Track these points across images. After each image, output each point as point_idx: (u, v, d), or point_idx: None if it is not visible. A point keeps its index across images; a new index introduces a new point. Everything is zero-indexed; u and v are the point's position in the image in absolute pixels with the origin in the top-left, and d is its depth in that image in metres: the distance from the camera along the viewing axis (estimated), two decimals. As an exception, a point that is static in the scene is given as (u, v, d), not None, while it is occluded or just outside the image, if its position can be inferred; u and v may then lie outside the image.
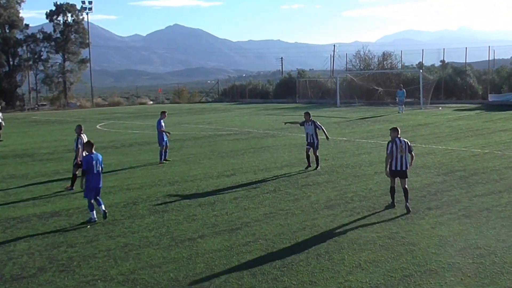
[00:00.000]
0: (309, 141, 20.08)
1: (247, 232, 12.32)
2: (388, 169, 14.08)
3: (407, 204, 13.87)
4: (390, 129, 14.59)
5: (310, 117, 20.23)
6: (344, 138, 28.50)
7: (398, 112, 45.80)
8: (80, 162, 16.37)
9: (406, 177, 14.13)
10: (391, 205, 14.28)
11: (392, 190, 14.36)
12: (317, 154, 19.98)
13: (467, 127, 32.92)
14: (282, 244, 11.40)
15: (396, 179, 14.18)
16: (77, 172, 16.99)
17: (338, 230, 12.32)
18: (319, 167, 19.81)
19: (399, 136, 14.10)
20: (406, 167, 14.02)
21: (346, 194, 15.88)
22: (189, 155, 24.48)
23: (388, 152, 14.00)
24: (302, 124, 20.39)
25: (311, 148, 19.97)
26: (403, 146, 13.93)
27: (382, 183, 16.93)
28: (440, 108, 49.44)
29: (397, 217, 13.25)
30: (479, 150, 23.28)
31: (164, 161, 22.16)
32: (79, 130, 17.76)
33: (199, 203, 15.30)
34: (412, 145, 14.67)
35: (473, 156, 21.96)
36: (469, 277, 9.36)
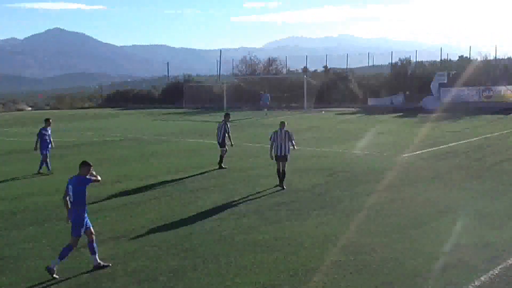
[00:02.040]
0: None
1: (132, 240, 12.12)
2: (273, 154, 17.09)
3: (283, 184, 16.98)
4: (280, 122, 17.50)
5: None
6: (231, 142, 28.67)
7: (266, 115, 47.97)
8: None
9: (286, 161, 17.07)
10: (280, 185, 17.02)
11: (278, 173, 17.13)
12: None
13: (348, 130, 34.14)
14: (169, 250, 11.30)
15: (280, 162, 16.98)
16: None
17: (225, 234, 12.39)
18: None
19: (283, 128, 17.12)
20: (286, 153, 17.01)
21: (233, 197, 16.00)
22: (71, 163, 23.65)
23: (271, 139, 17.15)
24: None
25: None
26: (283, 136, 17.00)
27: (268, 186, 17.23)
28: (323, 112, 50.94)
29: (283, 218, 13.52)
30: (360, 152, 24.23)
31: (41, 172, 21.08)
32: None
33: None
34: (293, 137, 17.26)
35: (355, 157, 22.83)
36: (351, 274, 9.72)
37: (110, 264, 10.41)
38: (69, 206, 10.31)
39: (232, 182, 18.36)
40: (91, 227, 10.49)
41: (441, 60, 58.05)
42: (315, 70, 70.13)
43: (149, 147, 28.80)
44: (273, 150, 17.10)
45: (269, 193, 16.38)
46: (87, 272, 10.15)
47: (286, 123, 17.48)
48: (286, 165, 17.09)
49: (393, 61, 62.67)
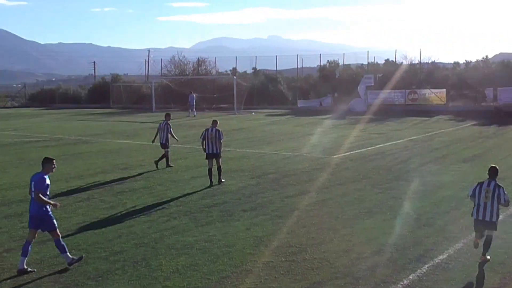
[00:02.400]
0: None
1: (59, 243, 11.70)
2: (205, 152, 17.69)
3: (220, 178, 17.66)
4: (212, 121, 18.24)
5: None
6: (176, 139, 28.29)
7: (194, 116, 48.45)
8: None
9: (220, 157, 17.73)
10: (210, 185, 17.30)
11: (209, 172, 17.53)
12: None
13: (278, 132, 34.33)
14: (97, 254, 10.98)
15: (212, 160, 17.59)
16: None
17: (155, 236, 12.16)
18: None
19: (215, 126, 17.76)
20: (216, 151, 17.57)
21: (163, 199, 15.75)
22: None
23: (201, 137, 17.87)
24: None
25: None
26: (213, 134, 17.56)
27: (198, 188, 17.07)
28: (253, 113, 51.10)
29: (214, 220, 13.39)
30: (290, 153, 24.38)
31: None
32: None
33: (5, 214, 14.32)
34: (222, 137, 17.77)
35: (285, 159, 22.93)
36: (282, 275, 9.70)
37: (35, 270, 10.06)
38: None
39: (162, 184, 18.08)
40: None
41: (368, 63, 59.26)
42: (245, 71, 70.34)
43: (74, 147, 28.06)
44: (203, 147, 17.83)
45: (200, 195, 16.23)
46: (10, 278, 9.73)
47: (218, 122, 18.19)
48: (220, 160, 17.80)
49: (322, 64, 63.55)
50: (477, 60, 54.78)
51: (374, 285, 9.23)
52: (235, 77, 57.03)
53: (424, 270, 9.79)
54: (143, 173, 20.07)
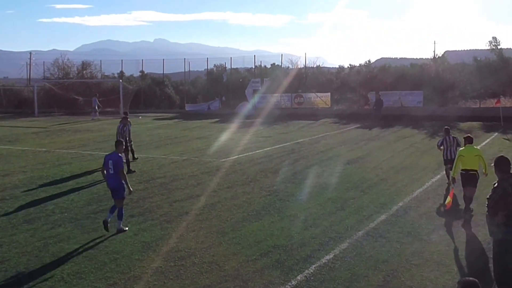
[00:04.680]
0: None
1: None
2: None
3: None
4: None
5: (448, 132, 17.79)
6: (43, 149, 27.32)
7: (93, 119, 48.28)
8: None
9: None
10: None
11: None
12: None
13: (166, 135, 34.03)
14: (-25, 265, 10.45)
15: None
16: None
17: (39, 244, 11.74)
18: None
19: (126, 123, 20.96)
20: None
21: (46, 206, 15.21)
22: None
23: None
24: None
25: None
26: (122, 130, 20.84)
27: (84, 194, 16.64)
28: (140, 117, 50.34)
29: (100, 226, 13.08)
30: (178, 157, 24.24)
31: None
32: None
33: None
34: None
35: (173, 163, 22.78)
36: (171, 280, 9.65)
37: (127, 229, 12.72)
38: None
39: (45, 190, 17.45)
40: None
41: (255, 66, 59.95)
42: (132, 75, 69.18)
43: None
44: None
45: (86, 201, 15.81)
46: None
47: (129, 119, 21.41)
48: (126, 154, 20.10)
49: (209, 67, 63.64)
50: (360, 64, 56.57)
51: (262, 286, 9.39)
52: (121, 80, 55.99)
53: (311, 271, 10.06)
54: (25, 179, 19.27)
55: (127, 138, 21.52)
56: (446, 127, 17.93)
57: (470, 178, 13.51)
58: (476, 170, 13.52)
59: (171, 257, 10.87)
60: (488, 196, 8.67)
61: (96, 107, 50.22)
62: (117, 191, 12.93)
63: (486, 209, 8.75)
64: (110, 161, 12.86)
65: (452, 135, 17.58)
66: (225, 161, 22.97)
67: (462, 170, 13.57)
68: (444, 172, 17.89)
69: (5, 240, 12.13)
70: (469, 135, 14.62)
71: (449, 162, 16.84)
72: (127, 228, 12.85)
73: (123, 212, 12.99)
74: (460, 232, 12.44)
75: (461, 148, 14.46)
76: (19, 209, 14.95)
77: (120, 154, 13.24)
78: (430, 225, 13.04)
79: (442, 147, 17.55)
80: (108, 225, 12.35)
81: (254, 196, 16.36)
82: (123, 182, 12.93)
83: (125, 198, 13.13)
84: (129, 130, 22.00)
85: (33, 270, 10.17)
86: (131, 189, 13.20)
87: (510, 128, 32.54)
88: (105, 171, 13.04)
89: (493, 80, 44.13)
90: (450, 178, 14.40)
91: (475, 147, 14.49)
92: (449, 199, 12.10)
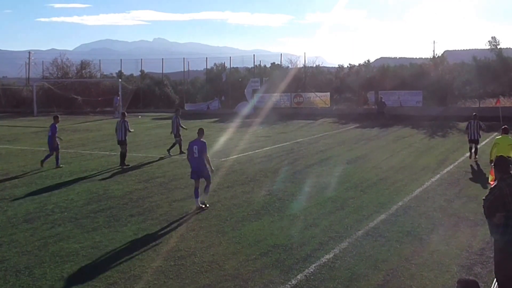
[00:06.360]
0: None
1: None
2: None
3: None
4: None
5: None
6: (42, 148, 27.26)
7: (115, 117, 47.77)
8: None
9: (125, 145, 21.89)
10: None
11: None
12: None
13: (165, 135, 33.94)
14: (-25, 264, 10.45)
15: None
16: None
17: (39, 244, 11.73)
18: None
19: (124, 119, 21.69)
20: (122, 138, 21.78)
21: (46, 206, 15.20)
22: None
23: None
24: None
25: None
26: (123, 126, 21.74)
27: (83, 194, 16.63)
28: (140, 116, 50.34)
29: (100, 225, 13.10)
30: (178, 157, 24.24)
31: None
32: None
33: None
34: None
35: (172, 162, 22.79)
36: (171, 279, 9.65)
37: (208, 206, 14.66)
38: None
39: (45, 190, 17.46)
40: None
41: (254, 66, 59.86)
42: (131, 74, 69.13)
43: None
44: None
45: (85, 200, 15.81)
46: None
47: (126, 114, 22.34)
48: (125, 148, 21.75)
49: (208, 67, 63.58)
50: (359, 64, 56.48)
51: (262, 286, 9.37)
52: (120, 79, 55.96)
53: (311, 270, 10.05)
54: (24, 179, 19.27)
55: (127, 132, 22.49)
56: (474, 113, 23.21)
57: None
58: (509, 157, 14.84)
59: (171, 256, 10.87)
60: (484, 197, 8.65)
61: (116, 105, 51.33)
62: (201, 172, 14.67)
63: (482, 209, 8.71)
64: (195, 147, 14.62)
65: (476, 120, 22.29)
66: (225, 161, 22.97)
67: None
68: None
69: (5, 239, 12.12)
70: (506, 126, 18.62)
71: (472, 141, 22.14)
72: (208, 205, 14.82)
73: (209, 190, 15.01)
74: (460, 232, 12.45)
75: (498, 137, 18.22)
76: (19, 209, 14.95)
77: (202, 140, 14.81)
78: (429, 224, 13.04)
79: (467, 130, 22.44)
80: (205, 205, 14.81)
81: (254, 196, 16.36)
82: (207, 164, 14.72)
83: (210, 176, 14.95)
84: (127, 126, 22.56)
85: (33, 269, 10.16)
86: (213, 169, 15.27)
87: (510, 128, 32.52)
88: (189, 156, 14.80)
89: (492, 80, 44.14)
90: (489, 161, 17.15)
91: (510, 137, 17.73)
92: (491, 177, 12.62)
